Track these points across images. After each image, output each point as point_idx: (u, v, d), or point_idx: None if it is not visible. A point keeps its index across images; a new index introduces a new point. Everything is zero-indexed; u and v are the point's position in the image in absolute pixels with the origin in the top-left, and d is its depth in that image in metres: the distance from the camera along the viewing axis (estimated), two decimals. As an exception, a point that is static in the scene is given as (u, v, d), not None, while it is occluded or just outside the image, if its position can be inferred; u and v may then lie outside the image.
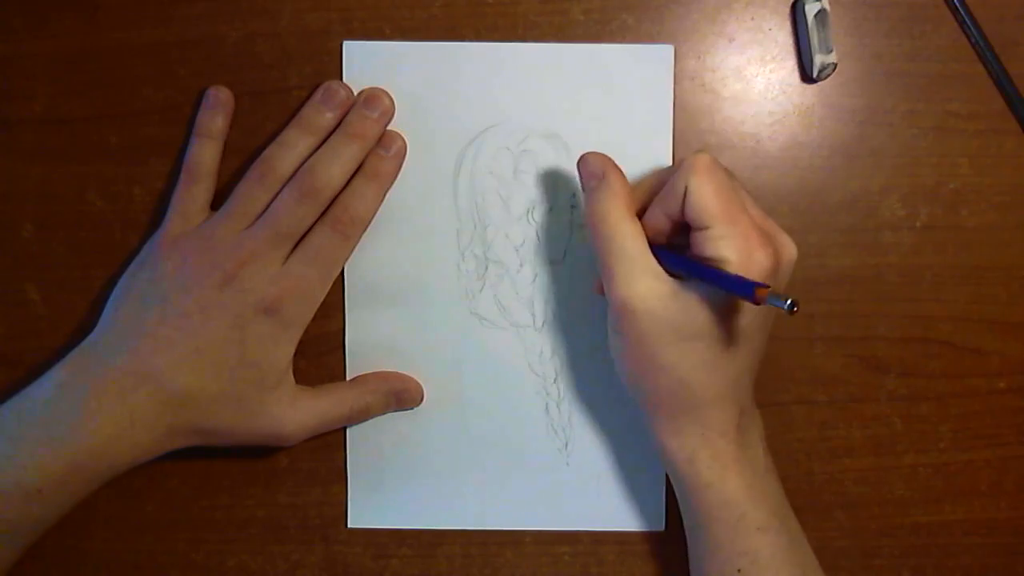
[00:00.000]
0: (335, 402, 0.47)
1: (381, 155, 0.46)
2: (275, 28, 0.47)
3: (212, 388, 0.44)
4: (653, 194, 0.43)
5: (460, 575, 0.50)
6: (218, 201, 0.46)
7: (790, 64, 0.48)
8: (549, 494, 0.49)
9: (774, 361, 0.48)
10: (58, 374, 0.44)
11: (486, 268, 0.48)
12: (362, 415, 0.48)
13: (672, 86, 0.47)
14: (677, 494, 0.45)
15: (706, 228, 0.40)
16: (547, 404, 0.49)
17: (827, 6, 0.46)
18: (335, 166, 0.45)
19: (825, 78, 0.47)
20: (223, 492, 0.50)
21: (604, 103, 0.47)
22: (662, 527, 0.49)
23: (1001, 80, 0.47)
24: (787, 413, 0.49)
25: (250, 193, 0.45)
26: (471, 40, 0.47)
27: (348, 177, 0.45)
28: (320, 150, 0.45)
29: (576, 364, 0.49)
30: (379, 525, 0.50)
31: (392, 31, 0.47)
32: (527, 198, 0.48)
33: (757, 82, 0.48)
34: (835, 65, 0.47)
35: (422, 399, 0.49)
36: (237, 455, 0.49)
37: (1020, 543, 0.50)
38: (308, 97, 0.47)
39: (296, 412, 0.46)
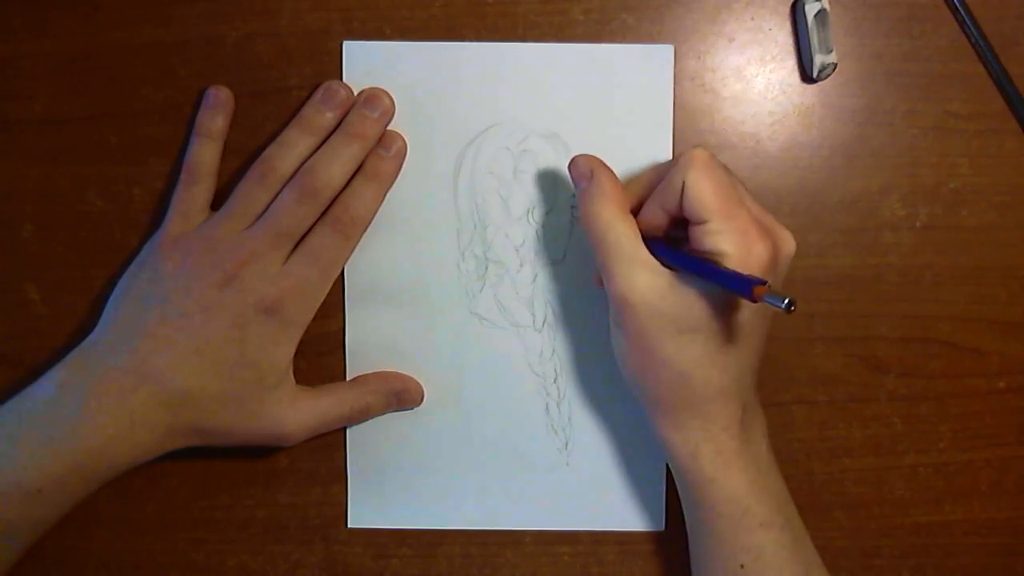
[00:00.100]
0: (335, 402, 0.47)
1: (381, 155, 0.46)
2: (275, 28, 0.47)
3: (212, 388, 0.44)
4: (650, 188, 0.43)
5: (460, 575, 0.50)
6: (218, 201, 0.46)
7: (790, 64, 0.48)
8: (549, 494, 0.49)
9: (774, 361, 0.48)
10: (58, 374, 0.44)
11: (486, 268, 0.48)
12: (362, 415, 0.48)
13: (672, 86, 0.47)
14: (679, 490, 0.45)
15: (704, 222, 0.40)
16: (547, 404, 0.49)
17: (827, 6, 0.46)
18: (335, 166, 0.45)
19: (825, 78, 0.47)
20: (223, 492, 0.50)
21: (604, 103, 0.47)
22: (662, 527, 0.49)
23: (1001, 80, 0.47)
24: (787, 413, 0.49)
25: (250, 193, 0.45)
26: (471, 40, 0.47)
27: (348, 177, 0.45)
28: (320, 150, 0.45)
29: (576, 364, 0.49)
30: (379, 525, 0.50)
31: (392, 31, 0.47)
32: (527, 198, 0.48)
33: (757, 82, 0.48)
34: (835, 65, 0.47)
35: (422, 399, 0.49)
36: (237, 455, 0.49)
37: (1020, 543, 0.50)
38: (308, 97, 0.47)
39: (296, 412, 0.46)
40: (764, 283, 0.36)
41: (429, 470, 0.49)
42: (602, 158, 0.46)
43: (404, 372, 0.49)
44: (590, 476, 0.49)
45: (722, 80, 0.48)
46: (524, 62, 0.47)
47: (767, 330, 0.43)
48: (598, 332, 0.48)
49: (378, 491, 0.49)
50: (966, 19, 0.47)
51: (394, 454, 0.49)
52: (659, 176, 0.43)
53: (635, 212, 0.43)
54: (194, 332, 0.43)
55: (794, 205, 0.48)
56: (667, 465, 0.48)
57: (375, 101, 0.46)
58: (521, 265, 0.48)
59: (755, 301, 0.36)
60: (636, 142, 0.47)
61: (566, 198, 0.48)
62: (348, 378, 0.49)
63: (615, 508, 0.49)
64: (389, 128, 0.47)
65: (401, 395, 0.48)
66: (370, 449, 0.49)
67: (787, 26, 0.48)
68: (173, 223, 0.45)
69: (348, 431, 0.49)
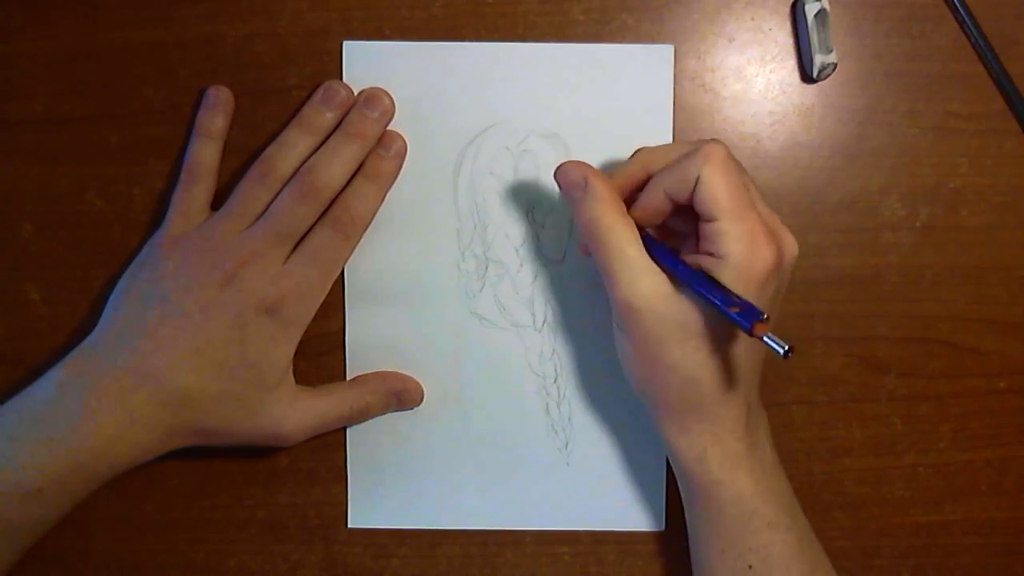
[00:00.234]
0: (335, 402, 0.47)
1: (381, 155, 0.46)
2: (275, 28, 0.47)
3: (212, 388, 0.44)
4: (632, 180, 0.43)
5: (460, 575, 0.50)
6: (218, 201, 0.46)
7: (790, 64, 0.48)
8: (549, 494, 0.49)
9: (774, 361, 0.48)
10: (58, 374, 0.44)
11: (486, 268, 0.48)
12: (362, 415, 0.48)
13: (672, 86, 0.47)
14: (683, 493, 0.45)
15: (714, 220, 0.40)
16: (547, 404, 0.49)
17: (827, 6, 0.46)
18: (335, 166, 0.45)
19: (825, 78, 0.47)
20: (223, 492, 0.50)
21: (604, 103, 0.47)
22: (662, 527, 0.49)
23: (1001, 80, 0.47)
24: (787, 413, 0.49)
25: (250, 193, 0.45)
26: (471, 40, 0.47)
27: (348, 177, 0.45)
28: (320, 150, 0.45)
29: (576, 364, 0.49)
30: (379, 525, 0.50)
31: (392, 31, 0.47)
32: (527, 198, 0.48)
33: (757, 82, 0.48)
34: (835, 65, 0.47)
35: (422, 399, 0.49)
36: (237, 455, 0.49)
37: (1020, 543, 0.50)
38: (308, 97, 0.47)
39: (296, 412, 0.46)
40: (765, 319, 0.36)
41: (429, 470, 0.49)
42: (602, 158, 0.46)
43: (404, 372, 0.49)
44: (590, 476, 0.49)
45: (722, 80, 0.48)
46: (524, 62, 0.47)
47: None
48: (598, 332, 0.48)
49: (378, 491, 0.49)
50: (966, 19, 0.47)
51: (394, 454, 0.49)
52: (661, 157, 0.42)
53: (632, 200, 0.43)
54: (194, 332, 0.43)
55: (794, 205, 0.48)
56: (667, 465, 0.48)
57: (375, 101, 0.46)
58: (521, 265, 0.48)
59: (752, 335, 0.36)
60: (636, 142, 0.47)
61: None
62: (348, 378, 0.49)
63: (615, 508, 0.49)
64: (389, 128, 0.47)
65: (401, 395, 0.48)
66: (370, 449, 0.49)
67: (787, 26, 0.48)
68: (173, 223, 0.45)
69: (348, 431, 0.49)
